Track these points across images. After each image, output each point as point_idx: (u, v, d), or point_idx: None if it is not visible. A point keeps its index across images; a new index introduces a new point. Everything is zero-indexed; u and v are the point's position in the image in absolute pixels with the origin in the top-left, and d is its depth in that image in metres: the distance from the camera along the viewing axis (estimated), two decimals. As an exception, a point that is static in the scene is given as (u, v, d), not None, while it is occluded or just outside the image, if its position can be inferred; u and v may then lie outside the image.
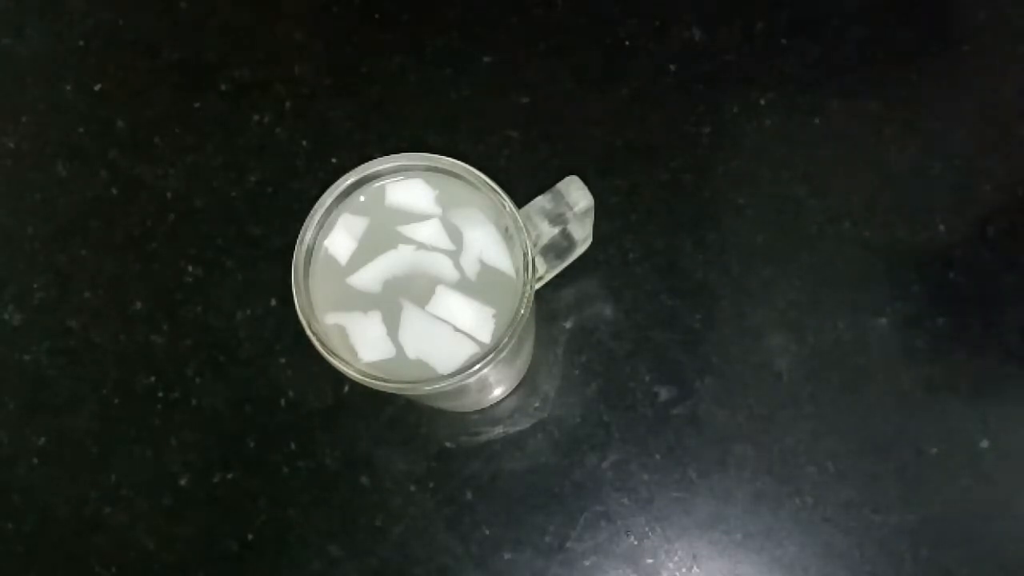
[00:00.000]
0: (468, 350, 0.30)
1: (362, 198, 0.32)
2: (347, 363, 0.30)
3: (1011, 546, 0.39)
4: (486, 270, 0.31)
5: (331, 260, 0.31)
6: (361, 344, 0.31)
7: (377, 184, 0.32)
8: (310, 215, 0.31)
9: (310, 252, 0.31)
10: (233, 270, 0.44)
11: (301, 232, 0.31)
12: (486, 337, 0.30)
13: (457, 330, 0.30)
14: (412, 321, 0.30)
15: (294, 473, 0.42)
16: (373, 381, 0.29)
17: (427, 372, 0.30)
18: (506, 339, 0.29)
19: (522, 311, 0.30)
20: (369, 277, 0.31)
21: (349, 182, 0.31)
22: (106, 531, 0.42)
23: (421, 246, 0.31)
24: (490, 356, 0.29)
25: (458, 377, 0.29)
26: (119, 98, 0.47)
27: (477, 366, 0.29)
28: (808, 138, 0.44)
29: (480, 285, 0.31)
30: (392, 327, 0.31)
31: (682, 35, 0.45)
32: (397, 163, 0.31)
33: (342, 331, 0.31)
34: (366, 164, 0.31)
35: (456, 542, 0.41)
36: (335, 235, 0.31)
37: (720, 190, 0.43)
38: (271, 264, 0.44)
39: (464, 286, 0.31)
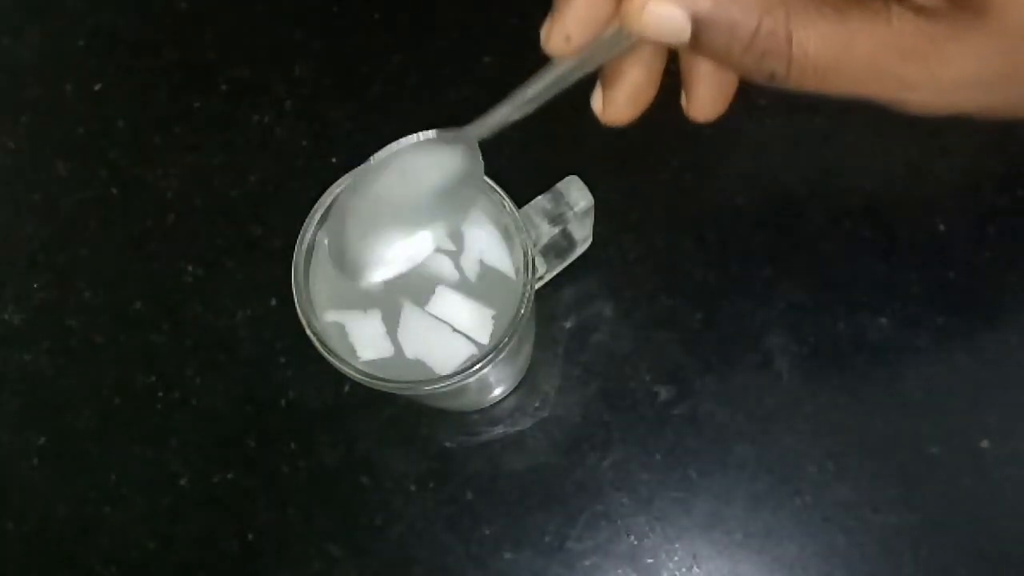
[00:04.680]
0: (467, 351, 0.30)
1: None
2: (346, 363, 0.30)
3: (1011, 546, 0.39)
4: (486, 270, 0.31)
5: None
6: (360, 343, 0.31)
7: None
8: (310, 215, 0.31)
9: (310, 252, 0.31)
10: (233, 270, 0.44)
11: (301, 232, 0.31)
12: (485, 338, 0.30)
13: (456, 330, 0.30)
14: (411, 320, 0.30)
15: (294, 473, 0.42)
16: (373, 381, 0.29)
17: (425, 372, 0.30)
18: (506, 339, 0.29)
19: (522, 311, 0.30)
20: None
21: (349, 182, 0.31)
22: (106, 531, 0.42)
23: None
24: (490, 356, 0.29)
25: (457, 377, 0.29)
26: (119, 98, 0.47)
27: (477, 367, 0.29)
28: (808, 138, 0.44)
29: (480, 286, 0.31)
30: (391, 326, 0.31)
31: (682, 35, 0.45)
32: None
33: (341, 329, 0.31)
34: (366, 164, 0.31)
35: (456, 542, 0.41)
36: None
37: (720, 190, 0.43)
38: (271, 264, 0.44)
39: (464, 286, 0.31)
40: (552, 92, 0.25)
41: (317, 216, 0.31)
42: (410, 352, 0.30)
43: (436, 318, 0.30)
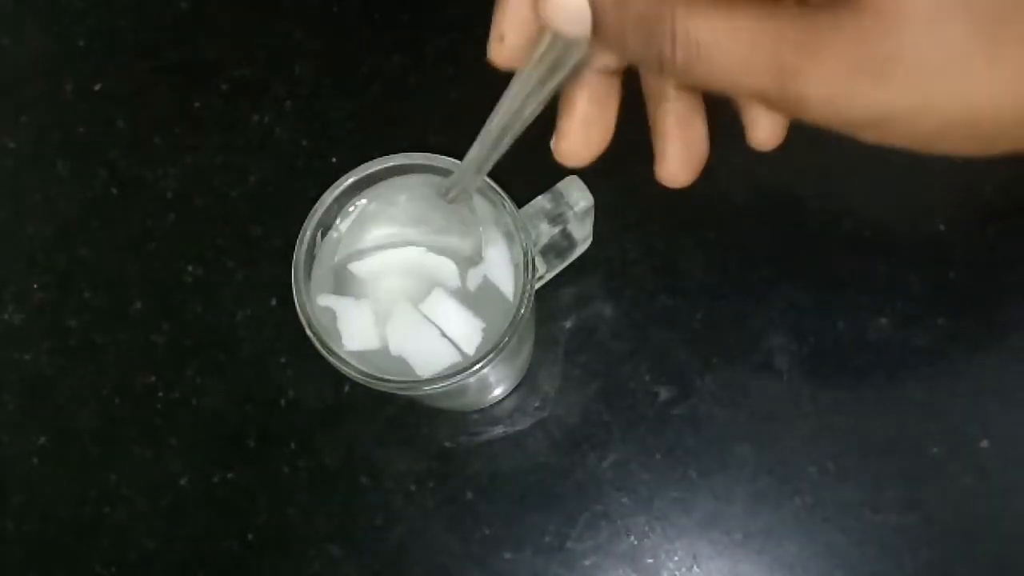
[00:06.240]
0: (450, 357, 0.30)
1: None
2: (347, 363, 0.30)
3: (1011, 546, 0.39)
4: (487, 285, 0.31)
5: (338, 241, 0.31)
6: (347, 331, 0.30)
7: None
8: (310, 215, 0.31)
9: (310, 252, 0.31)
10: (233, 270, 0.44)
11: (301, 232, 0.31)
12: (470, 349, 0.30)
13: (444, 335, 0.30)
14: (402, 317, 0.30)
15: (294, 473, 0.42)
16: (372, 381, 0.29)
17: (406, 370, 0.30)
18: (506, 339, 0.29)
19: (522, 311, 0.30)
20: (371, 266, 0.31)
21: (349, 182, 0.31)
22: (106, 531, 0.42)
23: (430, 248, 0.31)
24: (490, 356, 0.29)
25: (458, 377, 0.29)
26: (119, 98, 0.47)
27: (477, 367, 0.29)
28: (808, 138, 0.44)
29: (477, 297, 0.31)
30: (381, 319, 0.30)
31: (682, 35, 0.45)
32: (397, 163, 0.31)
33: (332, 315, 0.31)
34: (366, 164, 0.31)
35: (456, 542, 0.41)
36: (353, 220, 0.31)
37: (720, 190, 0.43)
38: (271, 264, 0.44)
39: (461, 295, 0.31)
40: (517, 124, 0.26)
41: (317, 216, 0.31)
42: (395, 348, 0.30)
43: (427, 319, 0.30)
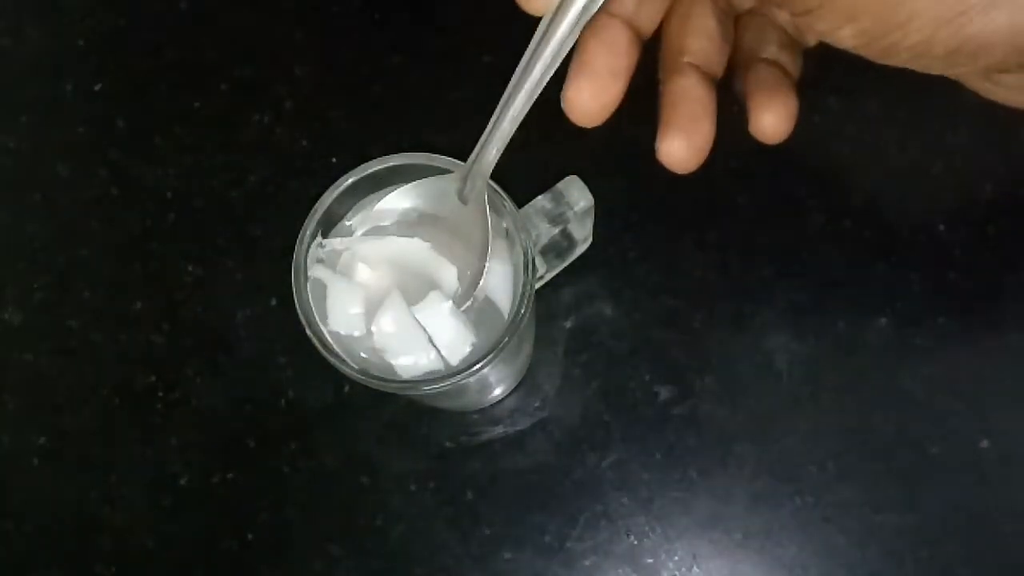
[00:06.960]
0: (432, 364, 0.30)
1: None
2: (349, 364, 0.30)
3: (1011, 546, 0.39)
4: (485, 301, 0.31)
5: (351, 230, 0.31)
6: (333, 311, 0.30)
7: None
8: (310, 215, 0.31)
9: (310, 251, 0.31)
10: (233, 270, 0.44)
11: (301, 232, 0.31)
12: (455, 360, 0.30)
13: (431, 341, 0.30)
14: (392, 312, 0.30)
15: (294, 473, 0.42)
16: (373, 381, 0.29)
17: (386, 366, 0.30)
18: (505, 339, 0.29)
19: (522, 311, 0.30)
20: (370, 251, 0.31)
21: (349, 182, 0.31)
22: (106, 531, 0.42)
23: (435, 247, 0.31)
24: (490, 356, 0.29)
25: (458, 377, 0.29)
26: (119, 98, 0.47)
27: (477, 366, 0.29)
28: (808, 138, 0.44)
29: (473, 311, 0.31)
30: (371, 308, 0.30)
31: (682, 35, 0.45)
32: (397, 163, 0.31)
33: (323, 289, 0.30)
34: (366, 164, 0.31)
35: (456, 542, 0.41)
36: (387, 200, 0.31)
37: (720, 190, 0.43)
38: (271, 264, 0.44)
39: (458, 303, 0.31)
40: (537, 79, 0.26)
41: (317, 216, 0.31)
42: (379, 340, 0.30)
43: (418, 321, 0.30)
